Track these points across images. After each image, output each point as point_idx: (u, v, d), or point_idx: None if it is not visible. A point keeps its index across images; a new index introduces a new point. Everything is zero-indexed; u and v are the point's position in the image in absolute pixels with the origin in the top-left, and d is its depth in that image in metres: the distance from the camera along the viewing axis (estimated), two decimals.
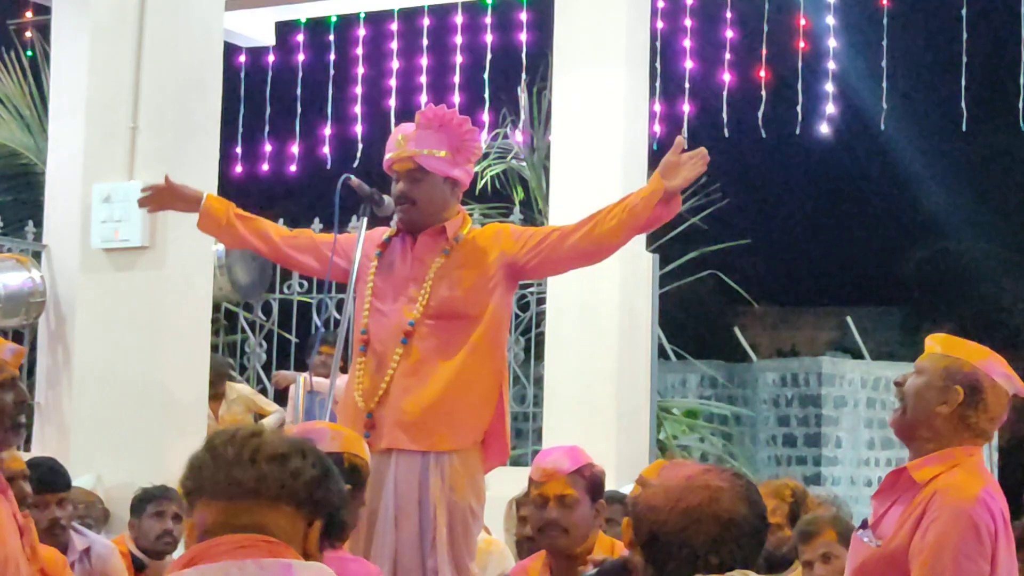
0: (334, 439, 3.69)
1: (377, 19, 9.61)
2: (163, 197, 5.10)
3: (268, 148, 9.85)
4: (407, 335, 4.59)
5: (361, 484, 3.69)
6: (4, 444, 3.92)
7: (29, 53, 10.58)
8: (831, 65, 8.74)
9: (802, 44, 8.76)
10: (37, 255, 8.57)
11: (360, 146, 9.67)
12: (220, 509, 2.40)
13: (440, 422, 4.54)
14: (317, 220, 8.70)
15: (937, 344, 3.75)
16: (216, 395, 8.40)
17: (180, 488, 2.48)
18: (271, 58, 9.86)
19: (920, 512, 3.56)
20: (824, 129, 8.92)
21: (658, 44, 8.40)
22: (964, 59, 8.77)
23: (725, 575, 2.72)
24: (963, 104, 8.80)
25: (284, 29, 9.70)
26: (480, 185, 10.88)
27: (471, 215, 4.98)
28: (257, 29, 9.42)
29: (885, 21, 8.71)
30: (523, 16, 9.20)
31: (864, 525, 3.72)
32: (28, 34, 10.59)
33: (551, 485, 4.15)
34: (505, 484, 6.15)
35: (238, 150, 9.84)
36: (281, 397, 9.10)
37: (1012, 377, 3.71)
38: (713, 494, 2.80)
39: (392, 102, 9.49)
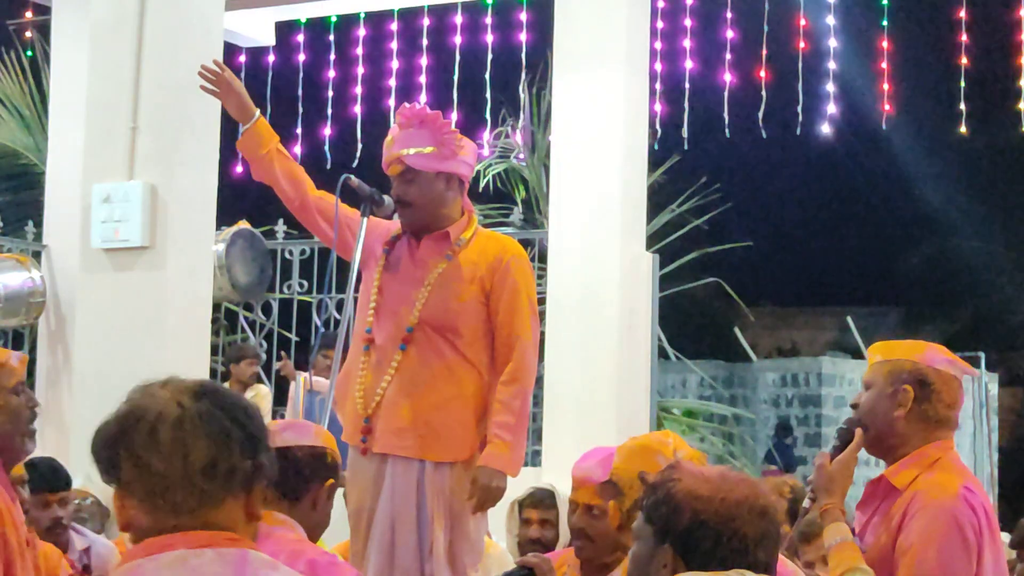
0: (318, 434, 3.73)
1: (377, 19, 9.61)
2: (223, 86, 4.84)
3: None
4: (406, 341, 4.59)
5: (339, 480, 3.72)
6: (23, 452, 3.92)
7: (29, 53, 10.60)
8: (831, 65, 8.75)
9: (802, 44, 8.77)
10: (37, 255, 8.58)
11: (360, 146, 9.67)
12: (153, 508, 2.34)
13: (432, 433, 4.55)
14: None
15: (876, 353, 3.75)
16: (240, 377, 8.38)
17: (93, 453, 2.38)
18: (271, 58, 9.87)
19: (901, 514, 3.55)
20: (825, 129, 8.92)
21: (658, 44, 8.40)
22: (964, 59, 8.78)
23: (726, 572, 2.66)
24: (963, 104, 8.81)
25: (284, 29, 9.70)
26: (481, 185, 10.90)
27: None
28: (257, 29, 9.42)
29: (885, 21, 8.72)
30: (523, 16, 9.21)
31: (852, 533, 3.71)
32: (28, 34, 10.60)
33: (581, 492, 4.11)
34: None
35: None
36: (280, 397, 9.10)
37: (955, 361, 3.72)
38: (753, 488, 2.72)
39: (392, 102, 9.49)
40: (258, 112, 4.86)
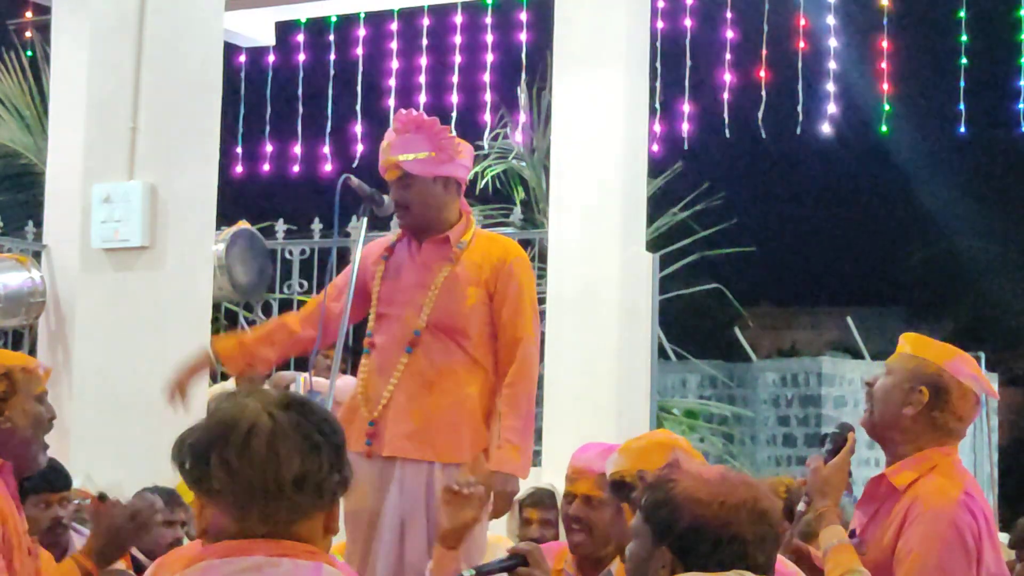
0: None
1: (377, 19, 9.61)
2: (184, 386, 4.77)
3: (268, 148, 9.86)
4: (412, 344, 4.61)
5: None
6: (37, 462, 3.93)
7: (29, 53, 10.59)
8: (831, 65, 8.75)
9: (802, 44, 8.77)
10: (37, 255, 8.57)
11: (360, 146, 9.68)
12: (242, 518, 2.36)
13: (443, 433, 4.56)
14: (317, 220, 8.69)
15: (907, 344, 3.72)
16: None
17: (180, 462, 2.38)
18: (271, 58, 9.86)
19: (901, 518, 3.55)
20: (825, 129, 8.92)
21: (658, 44, 8.40)
22: (963, 59, 8.78)
23: (726, 574, 2.66)
24: (962, 104, 8.81)
25: (284, 29, 9.70)
26: (480, 185, 10.89)
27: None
28: (257, 29, 9.42)
29: (885, 21, 8.72)
30: (523, 16, 9.20)
31: (852, 534, 3.70)
32: (28, 34, 10.59)
33: (580, 483, 4.13)
34: None
35: (238, 150, 9.84)
36: None
37: (979, 378, 3.69)
38: (753, 490, 2.71)
39: (392, 102, 9.49)
40: (206, 349, 4.84)
